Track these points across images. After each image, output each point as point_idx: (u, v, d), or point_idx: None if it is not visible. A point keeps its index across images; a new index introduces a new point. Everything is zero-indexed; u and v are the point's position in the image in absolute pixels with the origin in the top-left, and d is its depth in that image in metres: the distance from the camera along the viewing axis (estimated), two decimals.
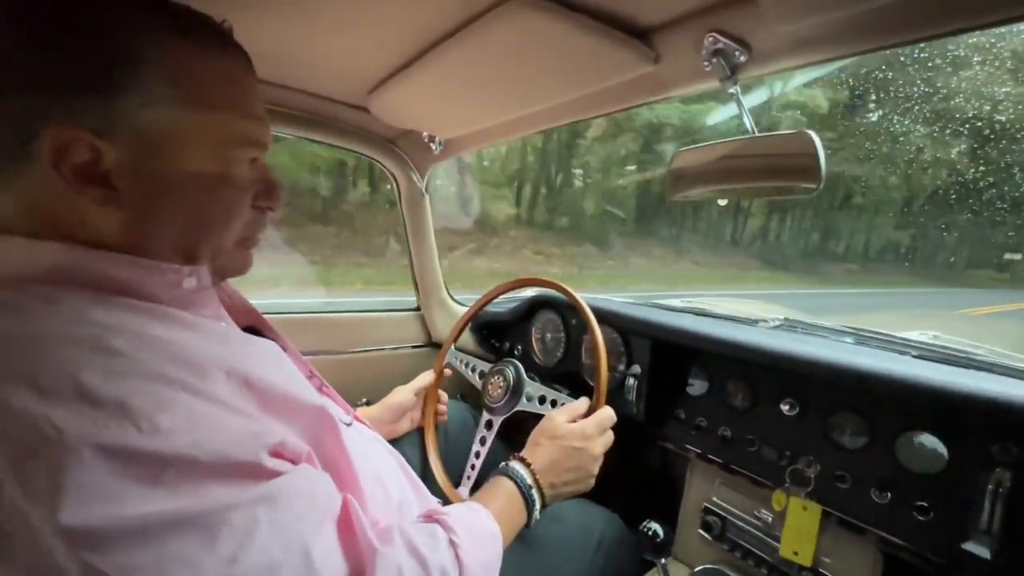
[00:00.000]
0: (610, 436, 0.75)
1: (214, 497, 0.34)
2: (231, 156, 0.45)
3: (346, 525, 0.41)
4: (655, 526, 0.76)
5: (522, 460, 0.67)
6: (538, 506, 0.63)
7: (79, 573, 0.29)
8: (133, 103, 0.38)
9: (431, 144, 1.15)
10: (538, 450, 0.69)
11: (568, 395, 0.92)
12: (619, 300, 1.20)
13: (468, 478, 0.96)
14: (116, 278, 0.41)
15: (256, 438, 0.38)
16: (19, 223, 0.39)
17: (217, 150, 0.44)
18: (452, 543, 0.48)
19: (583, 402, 0.80)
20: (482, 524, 0.54)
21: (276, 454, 0.39)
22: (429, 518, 0.52)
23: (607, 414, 0.76)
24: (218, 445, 0.35)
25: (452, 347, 1.15)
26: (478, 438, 0.99)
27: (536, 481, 0.64)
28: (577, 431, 0.71)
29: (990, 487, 0.59)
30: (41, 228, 0.39)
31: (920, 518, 0.67)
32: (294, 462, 0.41)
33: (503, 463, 0.67)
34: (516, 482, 0.63)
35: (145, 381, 0.34)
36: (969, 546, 0.58)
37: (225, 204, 0.46)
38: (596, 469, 0.72)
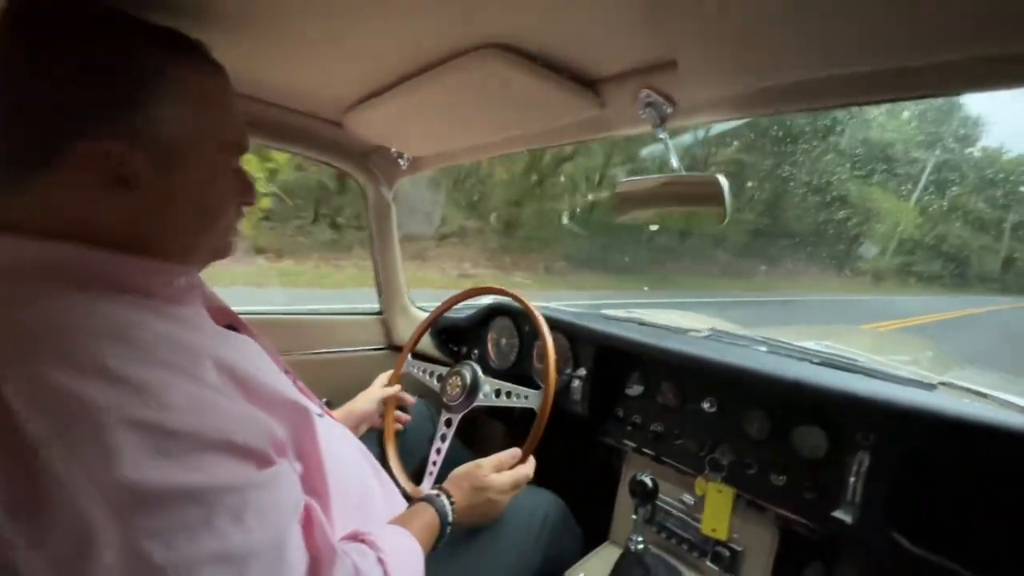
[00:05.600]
0: (519, 489, 0.86)
1: (216, 474, 0.38)
2: (225, 160, 0.53)
3: (307, 526, 0.47)
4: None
5: (449, 496, 0.75)
6: (445, 537, 0.71)
7: (105, 528, 0.33)
8: (154, 117, 0.46)
9: (399, 160, 1.23)
10: (460, 493, 0.78)
11: (522, 388, 1.02)
12: (568, 309, 1.31)
13: (430, 474, 1.02)
14: (117, 276, 0.46)
15: (250, 423, 0.43)
16: (33, 223, 0.44)
17: (216, 155, 0.52)
18: (380, 560, 0.53)
19: (511, 453, 0.89)
20: (404, 543, 0.61)
21: (268, 443, 0.44)
22: (355, 538, 0.56)
23: (525, 471, 0.87)
24: (218, 424, 0.40)
25: (409, 356, 1.22)
26: (438, 435, 1.05)
27: (453, 519, 0.73)
28: (497, 485, 0.81)
29: (854, 467, 0.73)
30: (56, 228, 0.44)
31: (807, 496, 0.81)
32: (279, 454, 0.45)
33: (430, 494, 0.75)
34: (439, 515, 0.71)
35: (152, 366, 0.39)
36: (837, 513, 0.72)
37: (219, 200, 0.54)
38: (498, 515, 0.83)
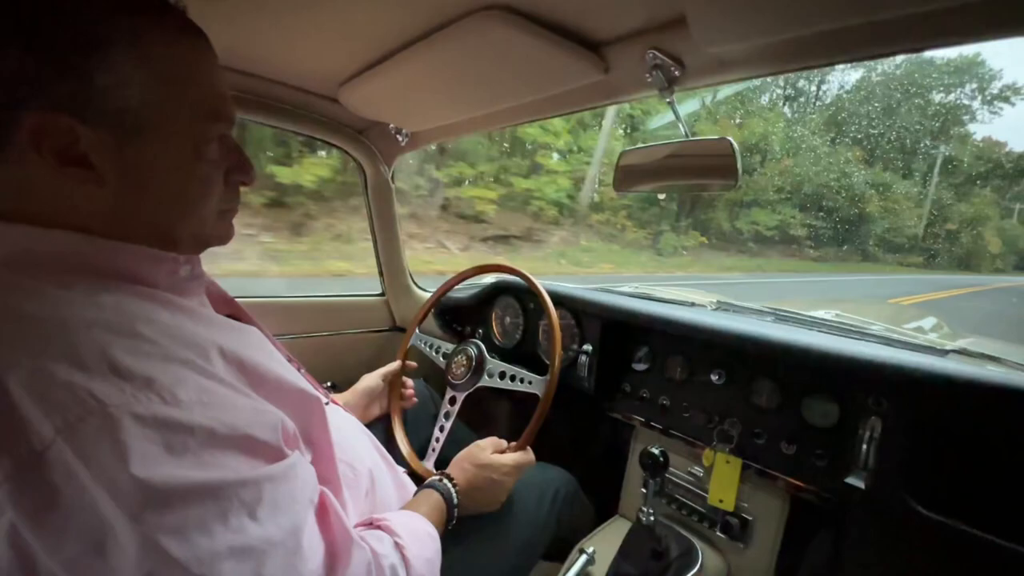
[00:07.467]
0: (522, 472, 0.84)
1: (230, 469, 0.38)
2: (201, 132, 0.46)
3: (323, 514, 0.46)
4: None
5: (450, 479, 0.75)
6: (454, 520, 0.72)
7: (121, 526, 0.32)
8: (105, 84, 0.40)
9: (398, 136, 1.20)
10: (462, 474, 0.77)
11: (526, 371, 1.01)
12: (572, 285, 1.29)
13: (433, 451, 1.03)
14: (120, 266, 0.44)
15: (261, 416, 0.42)
16: (20, 210, 0.41)
17: (188, 127, 0.45)
18: (397, 544, 0.53)
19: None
20: (420, 527, 0.61)
21: (279, 435, 0.43)
22: (371, 524, 0.56)
23: (528, 458, 0.85)
24: (230, 419, 0.39)
25: (416, 331, 1.22)
26: (442, 413, 1.05)
27: (458, 500, 0.73)
28: (499, 465, 0.80)
29: (866, 433, 0.72)
30: (42, 215, 0.41)
31: (818, 464, 0.80)
32: (290, 445, 0.45)
33: (432, 479, 0.75)
34: (444, 498, 0.71)
35: (162, 360, 0.38)
36: (850, 480, 0.72)
37: (200, 180, 0.47)
38: (504, 499, 0.81)
